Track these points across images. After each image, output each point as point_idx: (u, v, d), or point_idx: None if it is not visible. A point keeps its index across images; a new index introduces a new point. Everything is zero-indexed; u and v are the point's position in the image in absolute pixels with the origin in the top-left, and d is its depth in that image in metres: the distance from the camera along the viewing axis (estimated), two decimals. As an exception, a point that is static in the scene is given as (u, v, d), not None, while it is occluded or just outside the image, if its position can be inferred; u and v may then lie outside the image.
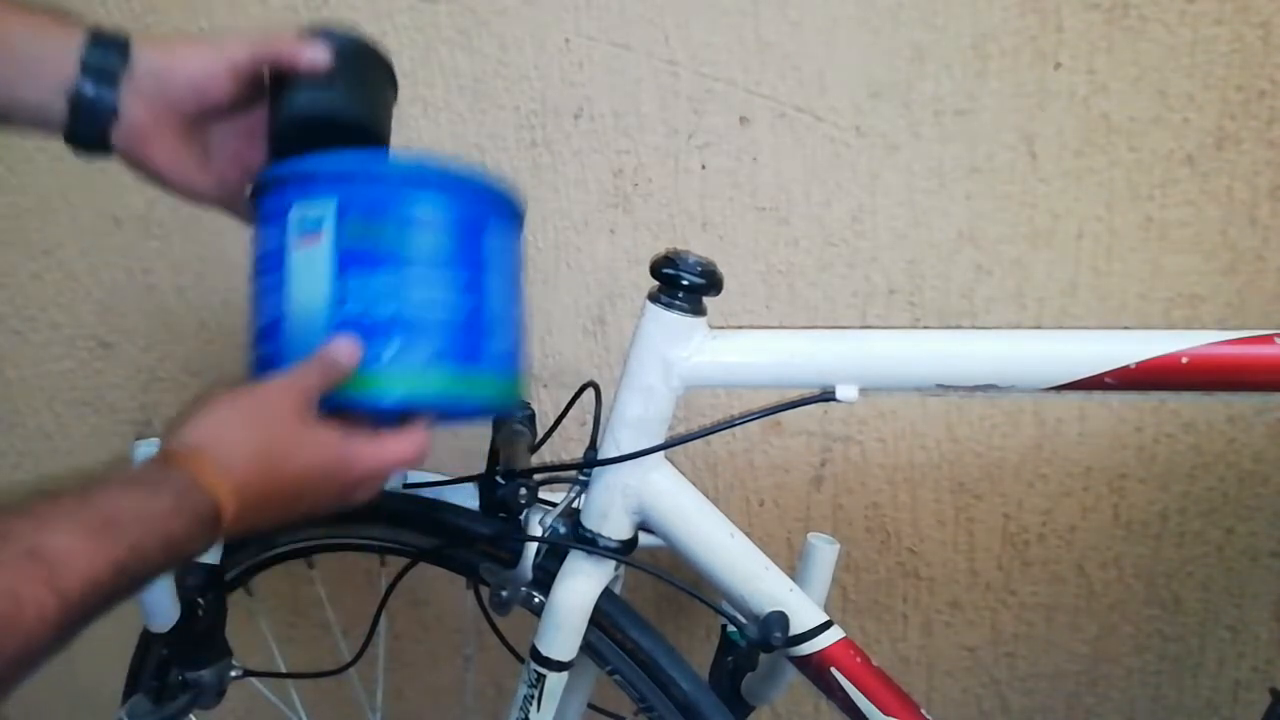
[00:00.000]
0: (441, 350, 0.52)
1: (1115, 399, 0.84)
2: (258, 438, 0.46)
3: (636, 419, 0.59)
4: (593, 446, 0.62)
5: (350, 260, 0.51)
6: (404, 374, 0.52)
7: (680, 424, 0.90)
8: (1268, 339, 0.53)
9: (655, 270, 0.58)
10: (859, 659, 0.61)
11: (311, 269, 0.51)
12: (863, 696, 0.60)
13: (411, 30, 0.83)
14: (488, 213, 0.56)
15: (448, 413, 0.55)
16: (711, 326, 0.59)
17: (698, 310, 0.58)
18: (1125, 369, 0.53)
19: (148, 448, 0.70)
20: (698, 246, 0.85)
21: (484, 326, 0.54)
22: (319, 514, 0.50)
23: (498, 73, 0.83)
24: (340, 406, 0.50)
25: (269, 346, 0.53)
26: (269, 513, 0.47)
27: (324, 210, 0.51)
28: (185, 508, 0.41)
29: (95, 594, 0.35)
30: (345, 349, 0.50)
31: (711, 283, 0.58)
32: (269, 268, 0.53)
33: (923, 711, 0.62)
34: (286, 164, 0.53)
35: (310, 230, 0.52)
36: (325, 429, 0.49)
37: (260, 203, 0.55)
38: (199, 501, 0.42)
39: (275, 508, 0.47)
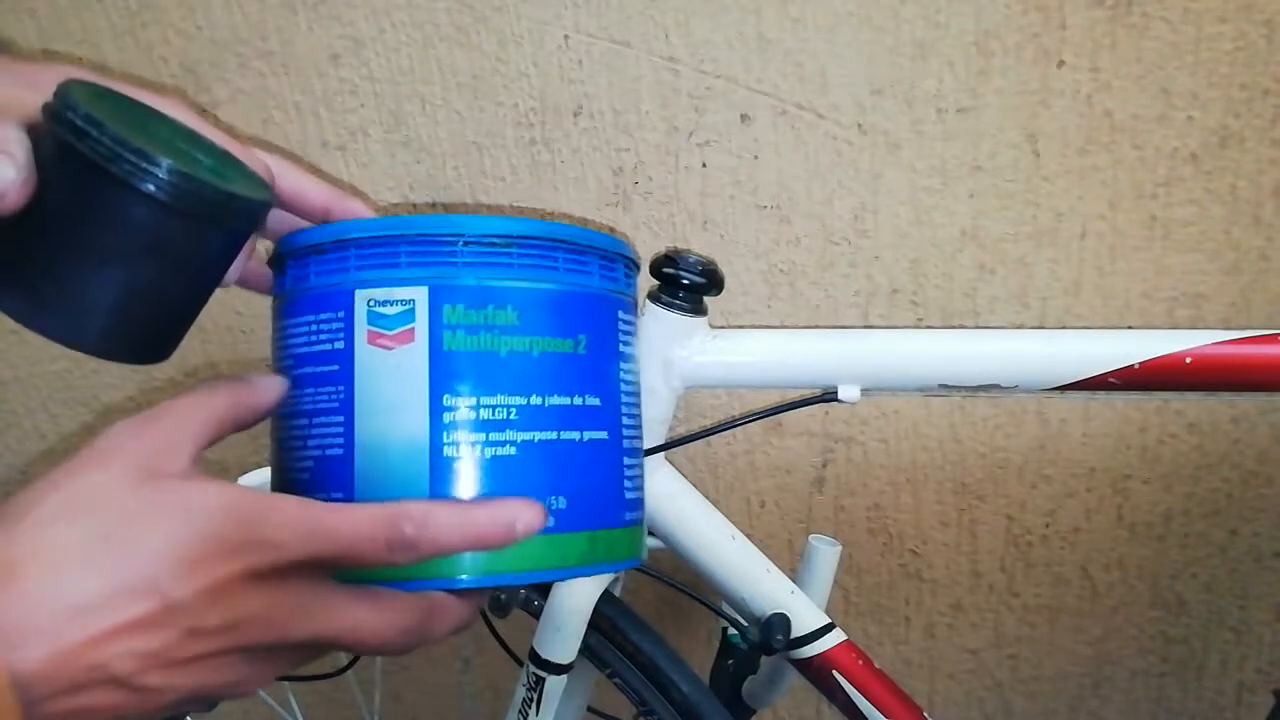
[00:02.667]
0: (575, 506, 0.38)
1: (1119, 399, 0.83)
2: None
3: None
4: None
5: (455, 372, 0.37)
6: (540, 543, 0.37)
7: (681, 425, 0.89)
8: (1272, 338, 0.53)
9: (655, 269, 0.58)
10: (861, 662, 0.61)
11: (396, 383, 0.37)
12: (865, 699, 0.60)
13: (409, 27, 0.82)
14: (621, 290, 0.42)
15: (572, 577, 0.42)
16: (712, 326, 0.59)
17: (698, 310, 0.58)
18: (1129, 369, 0.53)
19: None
20: (698, 245, 0.85)
21: (620, 464, 0.40)
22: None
23: (496, 70, 0.82)
24: (438, 588, 0.36)
25: (329, 496, 0.37)
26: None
27: (411, 296, 0.37)
28: None
29: None
30: (525, 510, 0.34)
31: (712, 282, 0.57)
32: (327, 376, 0.38)
33: (925, 714, 0.61)
34: (342, 225, 0.39)
35: (392, 326, 0.37)
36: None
37: (299, 274, 0.40)
38: None
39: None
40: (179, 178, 0.35)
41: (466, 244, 0.37)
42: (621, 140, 0.83)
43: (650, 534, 0.63)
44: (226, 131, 0.42)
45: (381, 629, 0.33)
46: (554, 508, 0.37)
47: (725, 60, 0.79)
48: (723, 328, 0.59)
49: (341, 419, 0.37)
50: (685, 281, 0.57)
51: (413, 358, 0.37)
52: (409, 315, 0.37)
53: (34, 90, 0.36)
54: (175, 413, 0.33)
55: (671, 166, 0.83)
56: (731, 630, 0.71)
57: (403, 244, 0.37)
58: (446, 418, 0.36)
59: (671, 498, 0.61)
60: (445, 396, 0.36)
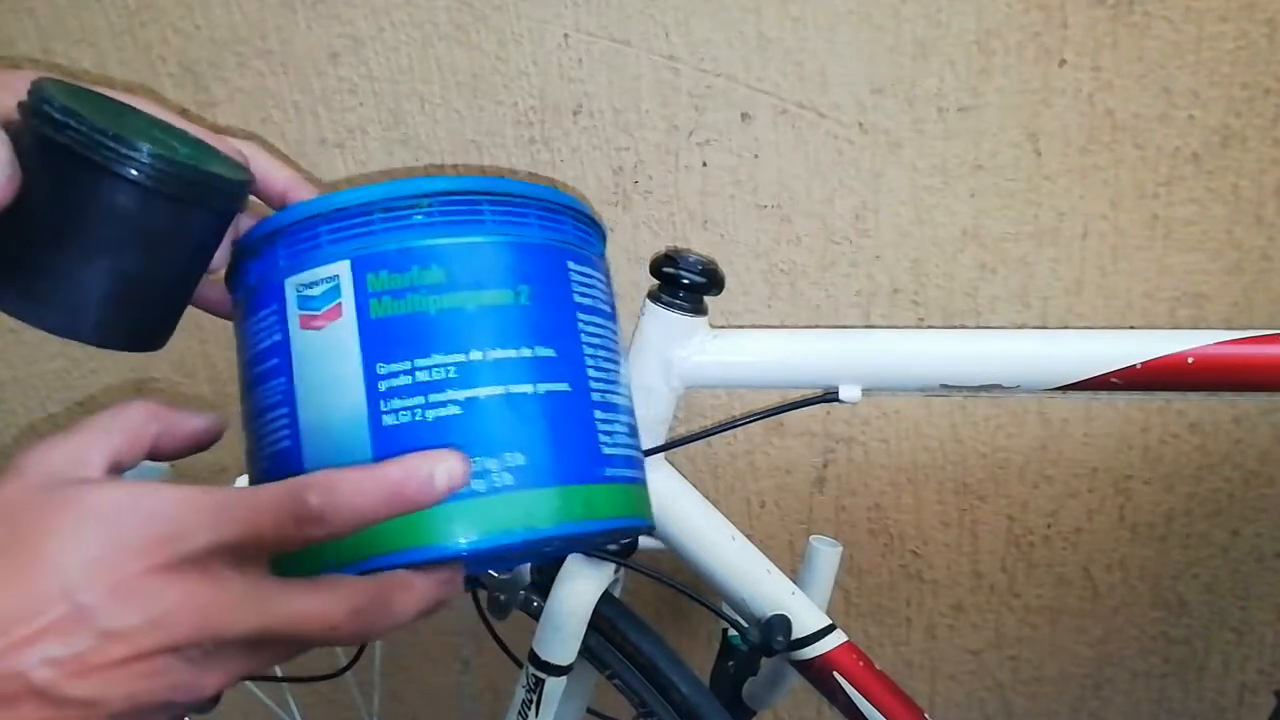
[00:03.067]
0: (537, 461, 0.36)
1: (1121, 399, 0.83)
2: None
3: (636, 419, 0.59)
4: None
5: (386, 339, 0.36)
6: (491, 505, 0.35)
7: (681, 425, 0.89)
8: (1274, 338, 0.52)
9: (655, 269, 0.58)
10: (862, 663, 0.60)
11: (330, 362, 0.36)
12: (865, 701, 0.60)
13: (409, 26, 0.82)
14: (571, 242, 0.40)
15: (544, 548, 0.40)
16: (712, 326, 0.59)
17: (698, 309, 0.58)
18: (1131, 369, 0.53)
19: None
20: (698, 245, 0.85)
21: (590, 416, 0.38)
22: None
23: (496, 69, 0.82)
24: (391, 564, 0.34)
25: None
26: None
27: (334, 273, 0.36)
28: None
29: None
30: (443, 459, 0.33)
31: (712, 282, 0.57)
32: (269, 370, 0.37)
33: (926, 715, 0.61)
34: (268, 220, 0.39)
35: (319, 306, 0.36)
36: (282, 584, 0.31)
37: (240, 283, 0.40)
38: None
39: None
40: (160, 161, 0.35)
41: (383, 210, 0.36)
42: (621, 139, 0.83)
43: (650, 534, 0.63)
44: (198, 123, 0.42)
45: (327, 614, 0.31)
46: (510, 464, 0.35)
47: (725, 59, 0.79)
48: (723, 328, 0.59)
49: (286, 410, 0.36)
50: (685, 281, 0.56)
51: (342, 332, 0.36)
52: (334, 292, 0.36)
53: (6, 91, 0.36)
54: (89, 425, 0.32)
55: (671, 166, 0.83)
56: (732, 631, 0.70)
57: (321, 223, 0.37)
58: (382, 386, 0.35)
59: (671, 498, 0.60)
60: (379, 365, 0.35)
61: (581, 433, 0.37)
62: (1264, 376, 0.52)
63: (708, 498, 0.62)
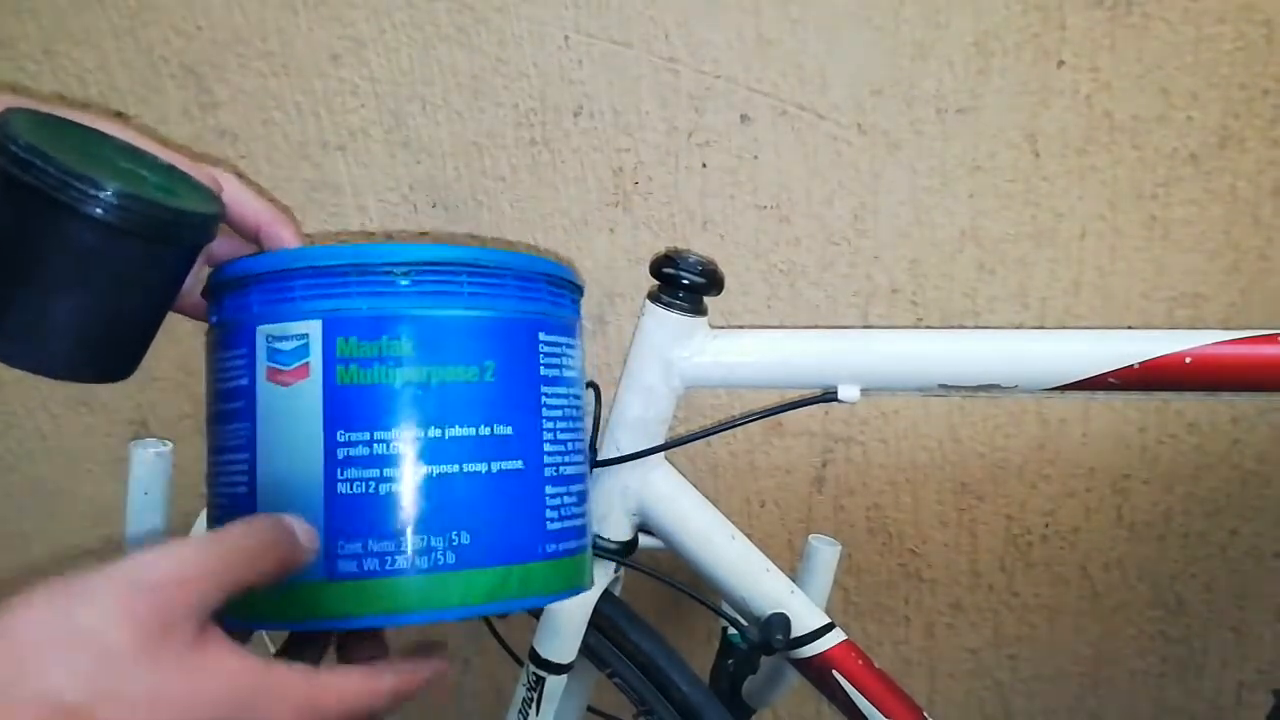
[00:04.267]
0: (481, 541, 0.36)
1: (1119, 399, 0.83)
2: (96, 676, 0.27)
3: (636, 419, 0.59)
4: (592, 447, 0.62)
5: (349, 407, 0.36)
6: (437, 580, 0.36)
7: (680, 424, 0.89)
8: (1271, 338, 0.53)
9: (655, 269, 0.58)
10: (861, 661, 0.61)
11: (292, 421, 0.36)
12: (864, 699, 0.60)
13: (410, 27, 0.82)
14: (544, 311, 0.40)
15: (480, 615, 0.41)
16: (712, 326, 0.59)
17: (698, 310, 0.58)
18: (1129, 369, 0.53)
19: (143, 450, 0.69)
20: (698, 245, 0.85)
21: (539, 493, 0.39)
22: None
23: (496, 70, 0.82)
24: (324, 629, 0.36)
25: None
26: None
27: (305, 331, 0.36)
28: None
29: None
30: (305, 530, 0.35)
31: (712, 282, 0.57)
32: (234, 412, 0.38)
33: (925, 714, 0.61)
34: (246, 262, 0.39)
35: (288, 362, 0.37)
36: (230, 652, 0.31)
37: (215, 309, 0.40)
38: None
39: None
40: (127, 200, 0.35)
41: (360, 274, 0.36)
42: (621, 140, 0.83)
43: (650, 534, 0.63)
44: (173, 147, 0.42)
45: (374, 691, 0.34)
46: (455, 544, 0.36)
47: (725, 60, 0.79)
48: (722, 328, 0.59)
49: (246, 456, 0.37)
50: (685, 281, 0.57)
51: (307, 394, 0.36)
52: (304, 350, 0.36)
53: None
54: (203, 572, 0.31)
55: (671, 166, 0.83)
56: (731, 630, 0.71)
57: (298, 278, 0.37)
58: (340, 454, 0.35)
59: (671, 498, 0.61)
60: (339, 432, 0.36)
61: (529, 511, 0.38)
62: (1262, 376, 0.52)
63: (708, 497, 0.62)
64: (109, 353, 0.39)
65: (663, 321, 0.57)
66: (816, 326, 0.85)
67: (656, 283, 0.58)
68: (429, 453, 0.36)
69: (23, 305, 0.36)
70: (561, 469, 0.40)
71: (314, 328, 0.36)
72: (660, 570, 0.62)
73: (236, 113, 0.87)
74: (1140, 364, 0.53)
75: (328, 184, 0.88)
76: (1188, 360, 0.52)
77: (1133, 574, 0.89)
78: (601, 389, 0.66)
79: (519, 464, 0.38)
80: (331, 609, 0.35)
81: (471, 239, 0.89)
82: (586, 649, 0.64)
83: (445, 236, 0.89)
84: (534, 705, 0.64)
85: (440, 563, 0.36)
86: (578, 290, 0.44)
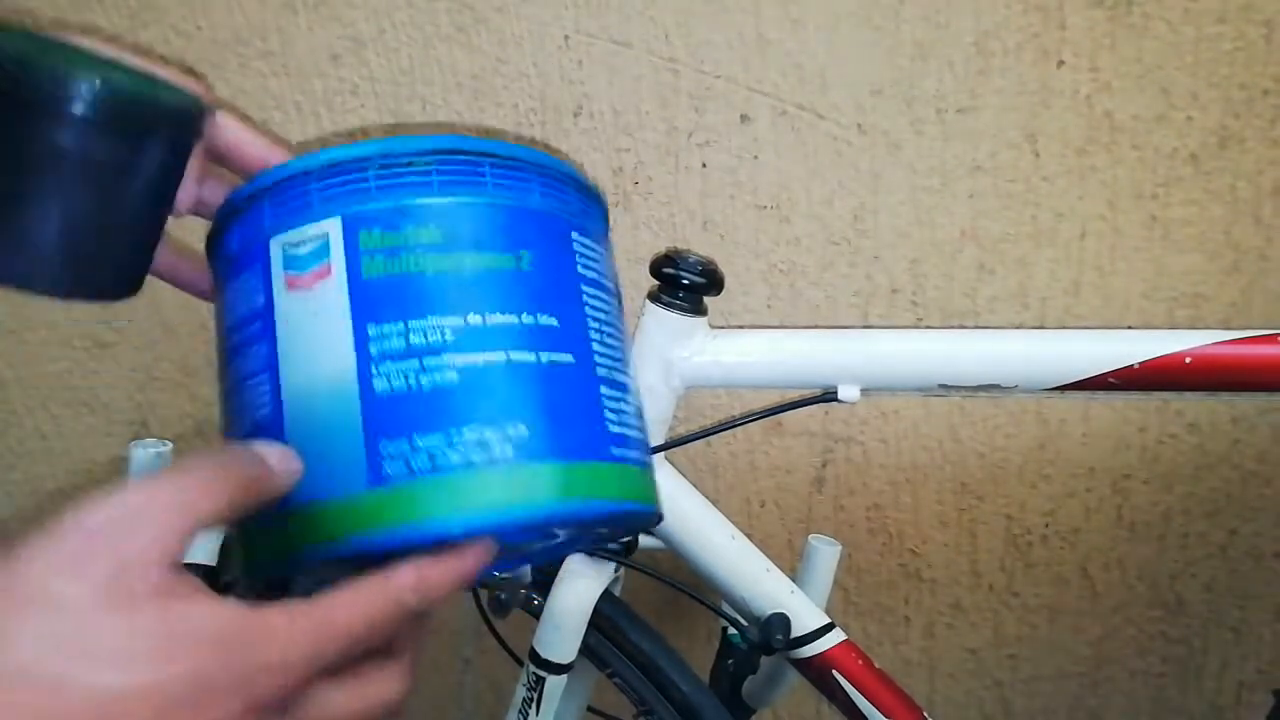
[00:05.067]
0: (539, 434, 0.33)
1: (1119, 399, 0.83)
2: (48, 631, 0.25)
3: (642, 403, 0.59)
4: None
5: (379, 299, 0.33)
6: (497, 475, 0.32)
7: (680, 424, 0.89)
8: (1272, 338, 0.53)
9: (655, 269, 0.58)
10: (861, 661, 0.61)
11: (317, 324, 0.33)
12: (864, 699, 0.60)
13: (410, 27, 0.82)
14: (574, 213, 0.38)
15: (546, 532, 0.38)
16: (712, 326, 0.59)
17: (698, 310, 0.58)
18: (1129, 369, 0.53)
19: (143, 450, 0.69)
20: (698, 245, 0.85)
21: (595, 391, 0.35)
22: None
23: (496, 70, 0.82)
24: (374, 547, 0.31)
25: None
26: None
27: (324, 231, 0.34)
28: None
29: None
30: (275, 451, 0.32)
31: (712, 282, 0.57)
32: (250, 336, 0.35)
33: (925, 714, 0.61)
34: (254, 180, 0.37)
35: (306, 265, 0.34)
36: (206, 596, 0.27)
37: (220, 252, 0.38)
38: None
39: None
40: (104, 90, 0.33)
41: (379, 167, 0.34)
42: (621, 140, 0.83)
43: (650, 534, 0.63)
44: (153, 60, 0.39)
45: (371, 610, 0.30)
46: (512, 436, 0.32)
47: (725, 60, 0.79)
48: (722, 328, 0.59)
49: (267, 375, 0.33)
50: (685, 281, 0.57)
51: (332, 293, 0.33)
52: (324, 251, 0.34)
53: None
54: (153, 510, 0.27)
55: (671, 166, 0.83)
56: (731, 630, 0.71)
57: (312, 180, 0.34)
58: (373, 349, 0.32)
59: (671, 498, 0.61)
60: (370, 326, 0.33)
61: (587, 407, 0.35)
62: (1262, 376, 0.52)
63: (708, 497, 0.62)
64: (100, 265, 0.36)
65: (663, 321, 0.57)
66: (816, 326, 0.85)
67: (656, 283, 0.58)
68: (471, 340, 0.33)
69: (1, 215, 0.34)
70: (614, 374, 0.37)
71: (333, 225, 0.34)
72: (660, 570, 0.62)
73: (236, 113, 0.87)
74: (1140, 364, 0.53)
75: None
76: (1188, 360, 0.52)
77: (1133, 574, 0.89)
78: (601, 389, 0.66)
79: (569, 357, 0.35)
80: (379, 519, 0.31)
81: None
82: (586, 649, 0.64)
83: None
84: (534, 705, 0.64)
85: (498, 455, 0.32)
86: (604, 209, 0.41)
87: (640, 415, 0.39)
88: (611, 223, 0.90)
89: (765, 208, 0.83)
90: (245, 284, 0.35)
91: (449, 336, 0.33)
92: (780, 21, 0.77)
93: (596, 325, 0.37)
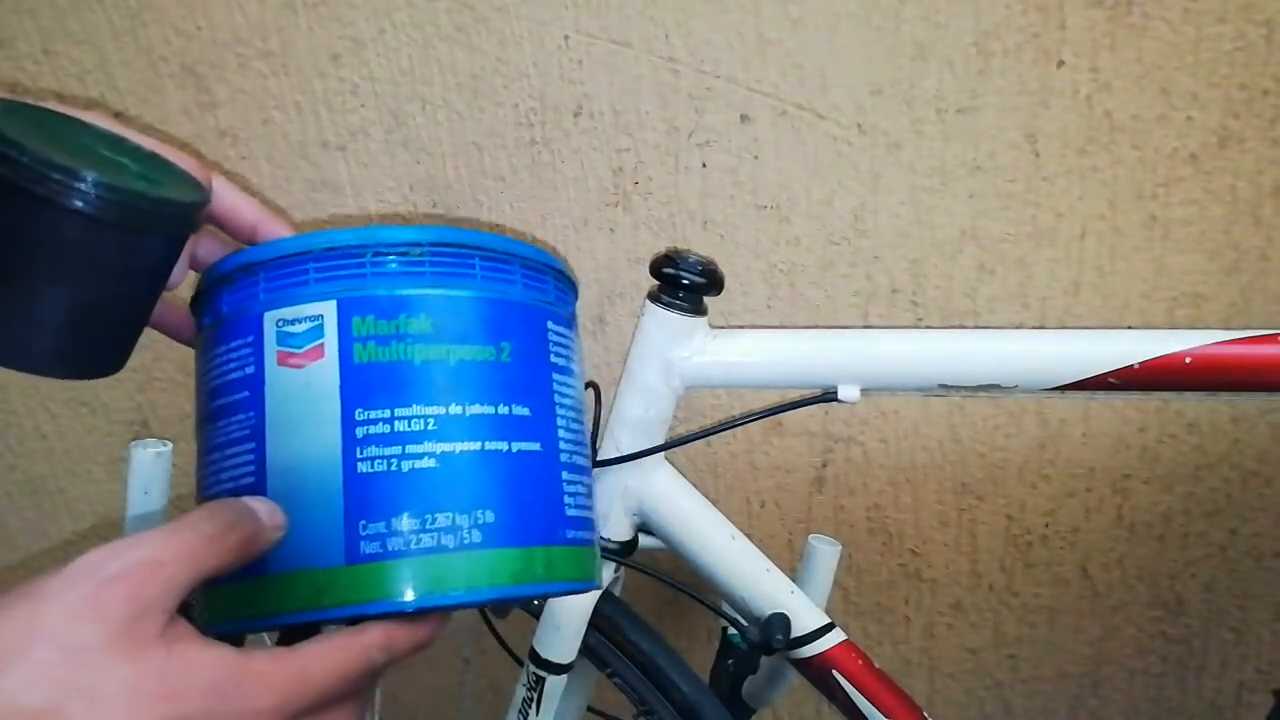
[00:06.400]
0: (505, 521, 0.36)
1: (1119, 399, 0.83)
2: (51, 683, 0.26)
3: (636, 419, 0.59)
4: (592, 447, 0.62)
5: (368, 385, 0.35)
6: (465, 559, 0.35)
7: (680, 424, 0.89)
8: (1272, 338, 0.53)
9: (655, 270, 0.58)
10: (861, 661, 0.61)
11: (306, 402, 0.35)
12: (864, 699, 0.60)
13: (410, 27, 0.82)
14: (551, 301, 0.41)
15: (491, 604, 0.40)
16: (712, 326, 0.59)
17: (698, 310, 0.58)
18: (1129, 369, 0.53)
19: (143, 450, 0.69)
20: (698, 245, 0.85)
21: (557, 477, 0.39)
22: None
23: (496, 70, 0.82)
24: (344, 617, 0.34)
25: None
26: None
27: (320, 312, 0.36)
28: None
29: None
30: (265, 506, 0.34)
31: (712, 282, 0.57)
32: (237, 403, 0.36)
33: (925, 714, 0.61)
34: (252, 251, 0.38)
35: (300, 344, 0.36)
36: (204, 642, 0.30)
37: (210, 310, 0.39)
38: None
39: None
40: (107, 190, 0.34)
41: (375, 254, 0.36)
42: (621, 140, 0.83)
43: (650, 534, 0.63)
44: (156, 136, 0.41)
45: (347, 661, 0.32)
46: (480, 522, 0.35)
47: (725, 60, 0.79)
48: (722, 328, 0.59)
49: (253, 445, 0.35)
50: (685, 281, 0.57)
51: (323, 373, 0.35)
52: (318, 331, 0.36)
53: None
54: (164, 561, 0.29)
55: (671, 166, 0.83)
56: (731, 630, 0.71)
57: (310, 260, 0.36)
58: (359, 431, 0.35)
59: (671, 498, 0.61)
60: (358, 410, 0.35)
61: (549, 494, 0.38)
62: (1262, 376, 0.52)
63: (708, 497, 0.62)
64: (93, 347, 0.37)
65: (663, 321, 0.57)
66: (816, 326, 0.85)
67: (656, 283, 0.58)
68: (451, 429, 0.35)
69: (4, 302, 0.35)
70: (574, 458, 0.40)
71: (328, 308, 0.36)
72: (660, 570, 0.62)
73: (236, 113, 0.87)
74: (1140, 364, 0.53)
75: (328, 184, 0.88)
76: (1188, 360, 0.52)
77: (1132, 574, 0.89)
78: (601, 389, 0.66)
79: (537, 446, 0.38)
80: (353, 594, 0.33)
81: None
82: (586, 649, 0.64)
83: (451, 221, 0.89)
84: (534, 705, 0.64)
85: (467, 541, 0.35)
86: (575, 288, 0.44)
87: (591, 494, 0.41)
88: (612, 224, 0.91)
89: (765, 208, 0.83)
90: (236, 351, 0.37)
91: (431, 425, 0.35)
92: (780, 21, 0.77)
93: (563, 412, 0.40)
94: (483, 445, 0.36)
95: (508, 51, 0.82)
